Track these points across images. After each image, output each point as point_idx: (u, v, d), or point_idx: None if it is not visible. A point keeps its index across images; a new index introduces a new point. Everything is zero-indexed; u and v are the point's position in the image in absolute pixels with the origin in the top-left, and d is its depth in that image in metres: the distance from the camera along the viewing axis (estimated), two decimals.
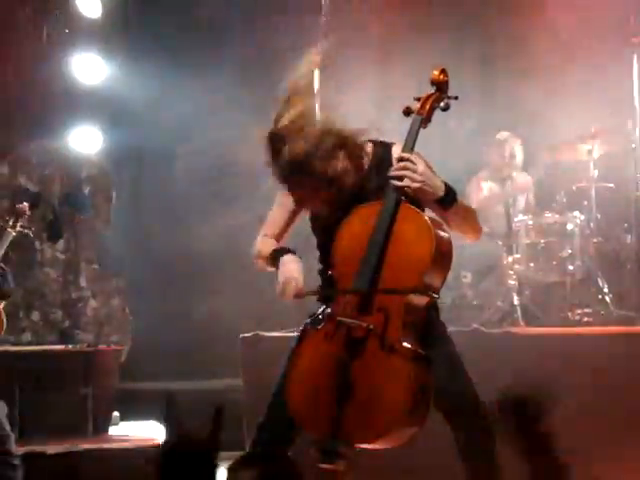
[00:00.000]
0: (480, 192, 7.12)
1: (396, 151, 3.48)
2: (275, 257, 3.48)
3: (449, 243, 3.35)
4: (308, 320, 3.41)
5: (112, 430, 6.05)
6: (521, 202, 7.12)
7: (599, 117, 6.96)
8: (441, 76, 3.52)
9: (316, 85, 6.58)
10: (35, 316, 7.24)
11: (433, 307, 3.45)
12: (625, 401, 5.28)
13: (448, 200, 3.38)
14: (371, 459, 3.45)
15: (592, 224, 6.78)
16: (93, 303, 7.42)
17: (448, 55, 6.99)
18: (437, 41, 7.37)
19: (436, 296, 3.35)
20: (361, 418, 3.15)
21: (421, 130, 3.46)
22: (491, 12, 7.88)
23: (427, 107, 3.47)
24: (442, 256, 3.32)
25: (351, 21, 7.35)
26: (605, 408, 5.25)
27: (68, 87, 7.32)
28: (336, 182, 3.39)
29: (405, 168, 3.33)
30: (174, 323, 7.61)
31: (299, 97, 3.46)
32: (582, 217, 6.74)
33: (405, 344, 3.21)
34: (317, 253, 3.64)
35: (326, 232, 3.47)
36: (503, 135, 7.14)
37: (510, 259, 6.63)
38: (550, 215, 6.79)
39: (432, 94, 3.51)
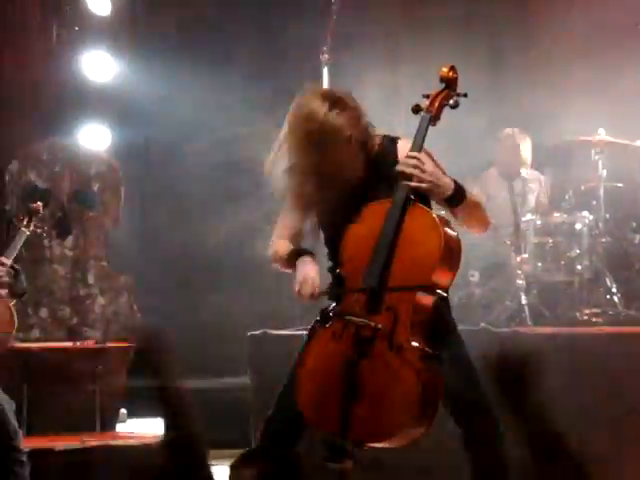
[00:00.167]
0: (487, 190, 7.09)
1: (402, 146, 3.47)
2: (292, 259, 3.48)
3: (458, 241, 3.35)
4: (317, 318, 3.41)
5: (119, 427, 6.06)
6: (531, 201, 7.09)
7: (609, 116, 6.94)
8: (450, 73, 3.50)
9: (325, 83, 6.61)
10: (43, 313, 7.24)
11: (443, 306, 3.44)
12: (634, 402, 5.28)
13: (457, 198, 3.38)
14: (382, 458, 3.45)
15: (600, 224, 6.76)
16: (101, 300, 7.42)
17: (457, 52, 6.97)
18: (446, 38, 7.36)
19: (445, 294, 3.34)
20: (369, 417, 3.14)
21: (430, 128, 3.45)
22: (501, 9, 7.86)
23: (436, 104, 3.45)
24: (451, 254, 3.31)
25: (359, 18, 7.34)
26: (612, 408, 5.24)
27: (77, 85, 7.32)
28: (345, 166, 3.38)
29: (414, 167, 3.33)
30: (181, 321, 7.61)
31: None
32: (591, 217, 6.72)
33: (413, 343, 3.21)
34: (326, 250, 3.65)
35: (334, 230, 3.47)
36: (509, 132, 7.12)
37: (518, 259, 6.62)
38: (558, 215, 6.77)
39: (441, 91, 3.48)
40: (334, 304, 3.41)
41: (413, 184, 3.32)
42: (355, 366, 3.16)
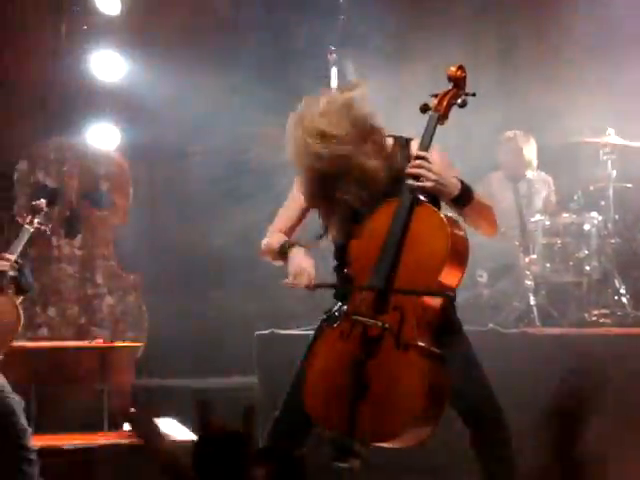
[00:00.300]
0: (492, 192, 7.07)
1: (415, 146, 3.47)
2: (283, 250, 3.48)
3: (465, 242, 3.34)
4: (324, 318, 3.41)
5: (127, 426, 6.06)
6: (537, 202, 7.08)
7: (618, 116, 6.93)
8: (458, 72, 3.49)
9: (333, 82, 6.61)
10: (52, 312, 7.25)
11: (449, 306, 3.44)
12: None
13: (464, 199, 3.37)
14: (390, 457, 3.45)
15: (609, 224, 6.75)
16: (109, 300, 7.43)
17: (466, 52, 6.97)
18: (455, 38, 7.35)
19: (452, 295, 3.34)
20: (376, 417, 3.14)
21: (438, 127, 3.44)
22: (510, 8, 7.86)
23: (444, 104, 3.45)
24: (458, 255, 3.30)
25: (367, 18, 7.34)
26: (623, 409, 5.23)
27: (86, 84, 7.32)
28: (365, 169, 3.37)
29: (420, 167, 3.32)
30: (189, 320, 7.62)
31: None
32: (599, 218, 6.72)
33: (420, 343, 3.20)
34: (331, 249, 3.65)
35: (343, 229, 3.46)
36: (511, 134, 7.11)
37: (527, 259, 6.61)
38: (567, 215, 6.76)
39: (449, 90, 3.47)
40: (340, 303, 3.41)
41: (418, 183, 3.31)
42: (362, 365, 3.16)
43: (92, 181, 7.50)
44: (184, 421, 6.01)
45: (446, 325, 3.38)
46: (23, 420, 4.44)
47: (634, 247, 6.83)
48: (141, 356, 6.85)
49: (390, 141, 3.52)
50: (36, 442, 4.60)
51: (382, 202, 3.38)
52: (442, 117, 3.44)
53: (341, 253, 3.51)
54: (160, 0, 7.81)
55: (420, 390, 3.15)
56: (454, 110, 3.48)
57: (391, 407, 3.16)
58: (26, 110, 7.49)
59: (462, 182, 3.39)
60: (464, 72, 3.49)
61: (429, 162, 3.32)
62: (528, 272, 6.56)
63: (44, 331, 7.13)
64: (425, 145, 3.39)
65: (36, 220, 4.85)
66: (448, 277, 3.29)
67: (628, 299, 6.58)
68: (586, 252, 6.61)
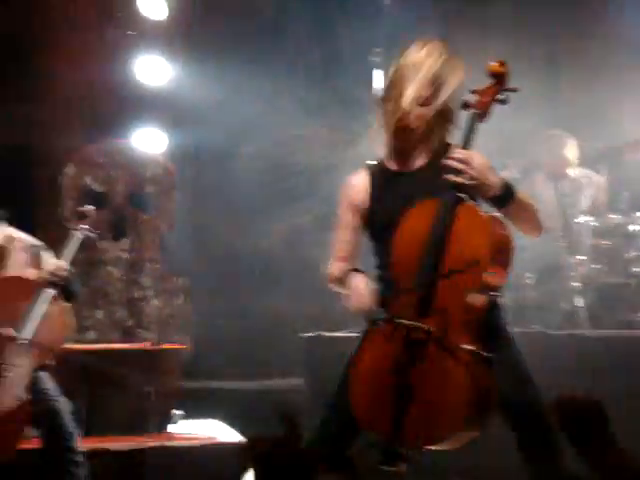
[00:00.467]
0: (533, 191, 7.02)
1: (455, 150, 3.44)
2: (344, 279, 3.48)
3: (509, 241, 3.29)
4: (369, 321, 3.40)
5: (173, 428, 6.10)
6: (583, 201, 7.01)
7: None
8: (500, 68, 3.41)
9: (376, 84, 6.61)
10: (99, 314, 7.31)
11: (495, 307, 3.42)
12: None
13: (504, 198, 3.34)
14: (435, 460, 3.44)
15: None
16: (156, 302, 7.48)
17: (508, 50, 6.93)
18: (500, 37, 7.32)
19: (496, 295, 3.31)
20: (422, 420, 3.12)
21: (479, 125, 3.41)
22: (557, 8, 7.80)
23: (485, 100, 3.38)
24: (502, 254, 3.26)
25: (410, 18, 7.32)
26: None
27: (133, 88, 7.38)
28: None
29: (461, 162, 3.30)
30: (236, 322, 7.65)
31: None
32: None
33: (465, 346, 3.17)
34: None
35: (386, 233, 3.45)
36: (552, 133, 7.06)
37: (573, 260, 6.56)
38: (614, 216, 6.70)
39: (490, 86, 3.39)
40: (384, 307, 3.40)
41: (458, 179, 3.28)
42: (407, 369, 3.14)
43: (138, 185, 7.56)
44: (231, 423, 6.04)
45: (492, 327, 3.36)
46: (70, 423, 4.47)
47: None
48: (187, 358, 6.89)
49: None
50: (84, 444, 4.63)
51: (424, 201, 3.36)
52: (483, 114, 3.38)
53: (381, 256, 3.50)
54: (206, 4, 7.85)
55: (467, 393, 3.12)
56: (495, 110, 3.44)
57: (437, 410, 3.14)
58: (73, 115, 7.56)
59: (503, 181, 3.35)
60: (506, 67, 3.42)
61: (470, 159, 3.30)
62: (575, 273, 6.51)
63: (92, 334, 7.19)
64: (466, 142, 3.36)
65: (84, 226, 4.87)
66: (491, 277, 3.25)
67: None
68: (634, 253, 6.55)
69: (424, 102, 3.46)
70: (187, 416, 6.38)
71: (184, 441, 5.65)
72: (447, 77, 3.47)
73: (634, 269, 6.52)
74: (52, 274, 4.51)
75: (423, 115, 3.45)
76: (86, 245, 4.92)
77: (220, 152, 7.79)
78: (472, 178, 3.28)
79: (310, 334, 6.09)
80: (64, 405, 4.49)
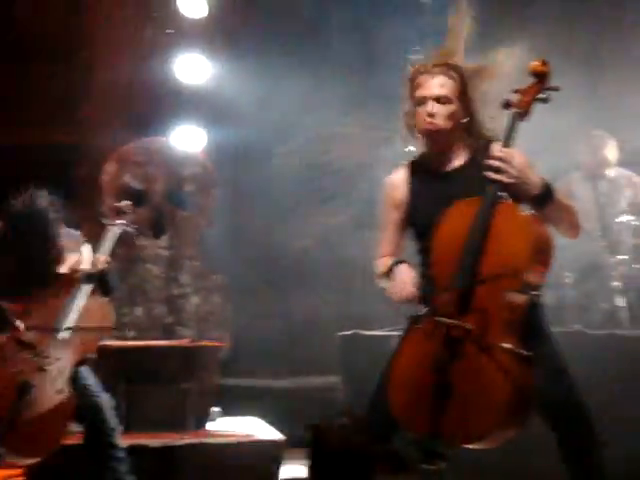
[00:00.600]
0: (571, 191, 6.97)
1: (496, 149, 3.44)
2: (390, 270, 3.48)
3: (549, 240, 3.29)
4: (409, 319, 3.41)
5: (211, 425, 6.12)
6: (622, 201, 6.95)
7: None
8: (542, 67, 3.44)
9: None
10: (138, 312, 7.35)
11: (535, 306, 3.41)
12: None
13: (544, 198, 3.33)
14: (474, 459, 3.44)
15: None
16: (194, 299, 7.51)
17: (553, 49, 6.89)
18: (542, 35, 7.27)
19: (536, 294, 3.30)
20: (461, 418, 3.13)
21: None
22: (599, 6, 7.74)
23: (527, 99, 3.40)
24: (542, 253, 3.26)
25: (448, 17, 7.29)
26: None
27: (172, 86, 7.42)
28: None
29: (501, 161, 3.29)
30: (273, 321, 7.67)
31: None
32: None
33: (505, 344, 3.17)
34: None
35: (423, 230, 3.46)
36: (592, 133, 7.03)
37: (614, 260, 6.52)
38: None
39: (532, 86, 3.42)
40: (424, 305, 3.40)
41: (498, 177, 3.28)
42: (446, 367, 3.15)
43: (177, 182, 7.60)
44: (269, 421, 6.05)
45: (532, 325, 3.35)
46: (112, 418, 4.50)
47: None
48: (226, 356, 6.91)
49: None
50: (124, 440, 4.66)
51: (464, 200, 3.37)
52: (524, 113, 3.39)
53: (424, 254, 3.50)
54: (245, 2, 7.87)
55: (506, 391, 3.12)
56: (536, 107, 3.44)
57: (477, 409, 3.13)
58: (113, 113, 7.61)
59: (543, 181, 3.35)
60: (548, 67, 3.44)
61: (510, 158, 3.30)
62: (614, 273, 6.47)
63: (131, 331, 7.23)
64: (507, 141, 3.36)
65: (122, 222, 4.91)
66: (532, 276, 3.25)
67: None
68: None
69: (446, 101, 3.47)
70: (225, 413, 6.40)
71: (222, 438, 5.66)
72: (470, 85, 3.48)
73: None
74: (90, 268, 4.55)
75: (448, 115, 3.47)
76: (124, 241, 4.95)
77: (259, 150, 7.81)
78: (512, 177, 3.28)
79: (347, 332, 6.09)
80: (106, 401, 4.52)
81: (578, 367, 3.52)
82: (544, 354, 3.36)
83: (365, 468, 2.31)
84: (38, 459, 4.31)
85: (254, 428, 5.95)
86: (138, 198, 6.86)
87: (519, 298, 3.26)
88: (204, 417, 6.09)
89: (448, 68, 3.53)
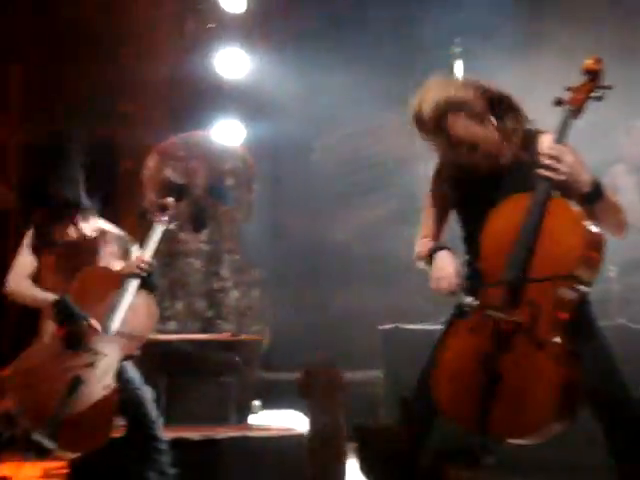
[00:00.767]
0: (615, 184, 6.91)
1: (544, 140, 3.42)
2: (430, 255, 3.48)
3: (601, 237, 3.29)
4: (454, 312, 3.40)
5: (253, 419, 6.13)
6: None
7: None
8: (596, 65, 3.43)
9: (458, 75, 6.56)
10: (179, 305, 7.38)
11: (585, 302, 3.39)
12: None
13: (594, 196, 3.31)
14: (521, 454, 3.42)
15: None
16: (235, 293, 7.52)
17: (593, 42, 6.84)
18: (582, 29, 7.22)
19: (587, 290, 3.28)
20: (509, 413, 3.11)
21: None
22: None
23: (580, 97, 3.39)
24: (594, 250, 3.25)
25: (493, 8, 7.25)
26: None
27: (212, 81, 7.44)
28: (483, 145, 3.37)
29: (553, 158, 3.28)
30: (313, 314, 7.67)
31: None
32: None
33: (555, 339, 3.16)
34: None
35: (474, 223, 3.44)
36: (636, 124, 6.97)
37: None
38: None
39: (586, 84, 3.41)
40: (471, 298, 3.39)
41: (550, 174, 3.27)
42: (494, 361, 3.14)
43: (218, 177, 7.61)
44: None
45: (581, 320, 3.33)
46: (154, 411, 4.54)
47: None
48: (266, 350, 6.92)
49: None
50: (166, 434, 4.68)
51: (512, 195, 3.35)
52: (577, 111, 3.38)
53: (472, 248, 3.49)
54: None
55: (554, 387, 3.11)
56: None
57: (524, 404, 3.12)
58: (154, 108, 7.65)
59: (593, 178, 3.33)
60: (601, 65, 3.43)
61: (562, 155, 3.28)
62: None
63: (172, 324, 7.26)
64: (559, 139, 3.35)
65: (165, 218, 4.93)
66: (583, 272, 3.24)
67: None
68: None
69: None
70: (265, 407, 6.41)
71: (263, 432, 5.68)
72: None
73: None
74: (138, 266, 4.57)
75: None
76: (166, 237, 4.97)
77: (298, 144, 7.81)
78: (563, 174, 3.26)
79: (388, 326, 6.08)
80: (148, 394, 4.56)
81: (621, 361, 3.49)
82: (593, 350, 3.35)
83: (410, 469, 2.32)
84: (86, 453, 4.35)
85: (294, 422, 5.96)
86: (179, 193, 6.86)
87: (570, 294, 3.25)
88: (245, 410, 6.11)
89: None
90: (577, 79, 3.45)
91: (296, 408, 6.33)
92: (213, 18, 7.52)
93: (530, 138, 3.49)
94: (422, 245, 3.60)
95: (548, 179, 3.28)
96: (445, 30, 6.94)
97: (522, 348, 3.15)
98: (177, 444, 4.83)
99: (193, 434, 5.41)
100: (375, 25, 7.78)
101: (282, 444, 5.40)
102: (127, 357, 4.51)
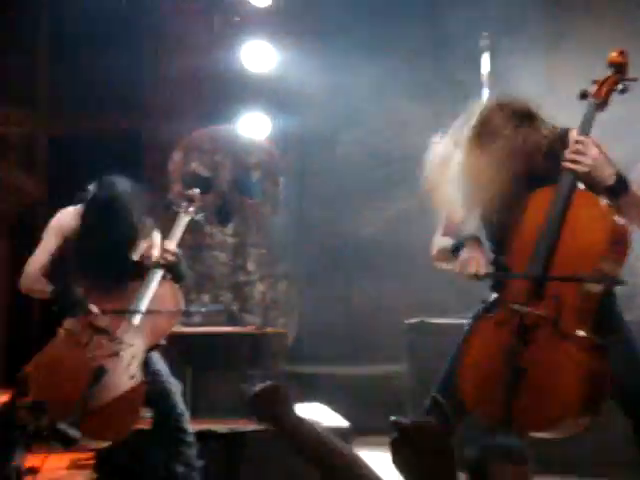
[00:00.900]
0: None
1: (572, 135, 3.41)
2: (458, 243, 3.45)
3: (626, 230, 3.27)
4: (481, 306, 3.39)
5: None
6: None
7: None
8: (620, 57, 3.41)
9: (484, 68, 6.54)
10: (205, 298, 7.40)
11: (610, 295, 3.37)
12: None
13: (618, 189, 3.29)
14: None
15: None
16: (260, 287, 7.54)
17: (620, 34, 6.78)
18: (607, 22, 7.16)
19: (613, 283, 3.26)
20: (534, 407, 3.10)
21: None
22: None
23: (605, 90, 3.38)
24: (619, 243, 3.24)
25: (520, 3, 7.22)
26: None
27: (238, 74, 7.44)
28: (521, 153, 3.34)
29: (577, 152, 3.27)
30: (339, 308, 7.67)
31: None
32: None
33: (579, 332, 3.15)
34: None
35: (500, 219, 3.43)
36: None
37: None
38: None
39: (610, 77, 3.40)
40: (496, 293, 3.38)
41: (574, 166, 3.25)
42: (519, 355, 3.13)
43: (244, 170, 7.62)
44: (335, 407, 6.06)
45: (606, 313, 3.31)
46: (180, 403, 4.54)
47: None
48: (291, 343, 6.93)
49: (547, 132, 3.47)
50: (192, 426, 4.69)
51: (540, 188, 3.33)
52: (602, 104, 3.37)
53: (498, 243, 3.47)
54: None
55: (579, 380, 3.09)
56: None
57: (550, 397, 3.11)
58: (180, 100, 7.67)
59: (619, 172, 3.32)
60: (626, 57, 3.42)
61: (586, 147, 3.27)
62: None
63: (198, 317, 7.28)
64: (584, 131, 3.34)
65: (191, 209, 4.94)
66: (608, 266, 3.23)
67: None
68: None
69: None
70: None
71: None
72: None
73: None
74: (162, 255, 4.58)
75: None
76: (192, 229, 4.98)
77: (325, 137, 7.80)
78: (587, 166, 3.25)
79: (413, 320, 6.07)
80: (175, 386, 4.56)
81: None
82: (619, 342, 3.32)
83: (450, 467, 2.31)
84: (111, 443, 4.37)
85: (319, 415, 5.96)
86: (205, 185, 6.89)
87: (595, 287, 3.23)
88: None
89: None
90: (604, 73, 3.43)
91: (320, 401, 6.34)
92: (240, 12, 7.53)
93: (561, 134, 3.47)
94: (441, 240, 3.56)
95: (572, 171, 3.26)
96: (472, 24, 6.91)
97: (547, 342, 3.14)
98: (203, 436, 4.84)
99: (219, 427, 5.42)
100: (402, 18, 7.75)
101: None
102: (153, 347, 4.51)
